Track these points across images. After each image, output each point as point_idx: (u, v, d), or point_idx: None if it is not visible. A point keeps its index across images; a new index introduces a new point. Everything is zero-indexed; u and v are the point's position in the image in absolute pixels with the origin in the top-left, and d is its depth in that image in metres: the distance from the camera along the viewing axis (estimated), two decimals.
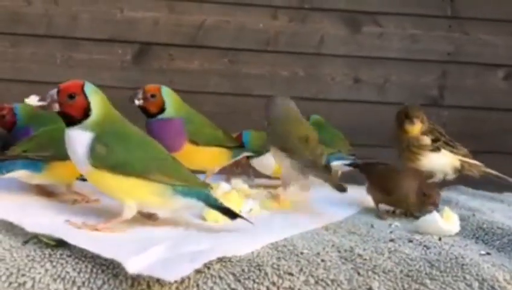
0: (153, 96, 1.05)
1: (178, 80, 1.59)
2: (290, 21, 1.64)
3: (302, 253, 0.72)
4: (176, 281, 0.60)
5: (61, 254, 0.65)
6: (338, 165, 1.24)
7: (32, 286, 0.60)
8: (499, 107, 1.67)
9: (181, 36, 1.62)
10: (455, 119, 1.64)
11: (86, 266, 0.63)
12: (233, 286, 0.62)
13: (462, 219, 0.92)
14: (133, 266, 0.60)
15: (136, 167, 0.78)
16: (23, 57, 1.57)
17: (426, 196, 0.98)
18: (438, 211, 0.91)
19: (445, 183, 1.32)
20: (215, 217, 0.86)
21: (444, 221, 0.89)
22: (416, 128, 1.24)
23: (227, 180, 1.18)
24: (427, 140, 1.25)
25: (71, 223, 0.77)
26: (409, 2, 1.65)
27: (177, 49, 1.61)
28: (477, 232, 0.90)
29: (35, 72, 1.57)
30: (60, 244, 0.67)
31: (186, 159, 0.94)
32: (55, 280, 0.61)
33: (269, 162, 1.15)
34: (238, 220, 0.81)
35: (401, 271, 0.69)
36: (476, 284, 0.66)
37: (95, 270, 0.63)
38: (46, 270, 0.62)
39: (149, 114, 1.06)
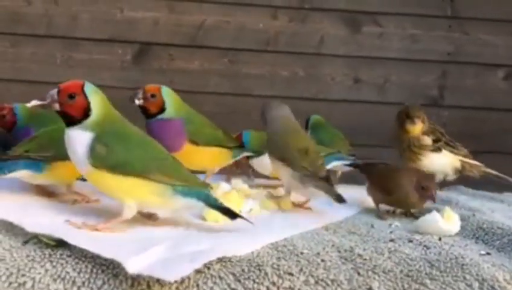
0: (153, 96, 1.05)
1: (178, 80, 1.59)
2: (290, 21, 1.64)
3: (302, 253, 0.72)
4: (176, 281, 0.60)
5: (61, 254, 0.65)
6: (338, 165, 1.24)
7: (32, 286, 0.60)
8: (499, 107, 1.67)
9: (181, 36, 1.62)
10: (455, 119, 1.64)
11: (86, 266, 0.63)
12: (233, 286, 0.62)
13: (462, 219, 0.92)
14: (133, 266, 0.60)
15: (136, 166, 0.78)
16: (23, 57, 1.57)
17: (424, 189, 0.98)
18: (438, 211, 0.91)
19: (445, 184, 1.32)
20: (215, 217, 0.86)
21: (444, 221, 0.89)
22: (417, 128, 1.24)
23: (227, 180, 1.18)
24: (428, 140, 1.25)
25: (71, 223, 0.77)
26: (409, 2, 1.65)
27: (177, 49, 1.61)
28: (477, 232, 0.90)
29: (35, 72, 1.57)
30: (60, 244, 0.67)
31: (186, 159, 0.94)
32: (55, 280, 0.61)
33: (269, 162, 1.15)
34: (238, 220, 0.81)
35: (401, 271, 0.69)
36: (476, 284, 0.66)
37: (95, 270, 0.63)
38: (46, 270, 0.62)
39: (149, 114, 1.06)
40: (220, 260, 0.66)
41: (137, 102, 1.04)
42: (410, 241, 0.82)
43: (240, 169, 1.33)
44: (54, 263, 0.63)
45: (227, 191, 1.00)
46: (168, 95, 1.06)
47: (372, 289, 0.64)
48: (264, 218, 0.95)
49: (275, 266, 0.66)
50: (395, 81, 1.66)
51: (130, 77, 1.58)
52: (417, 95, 1.63)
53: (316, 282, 0.64)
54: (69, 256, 0.65)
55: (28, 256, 0.64)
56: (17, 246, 0.67)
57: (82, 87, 0.79)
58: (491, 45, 1.66)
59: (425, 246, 0.80)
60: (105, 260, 0.63)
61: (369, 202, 1.07)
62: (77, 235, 0.70)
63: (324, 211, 1.02)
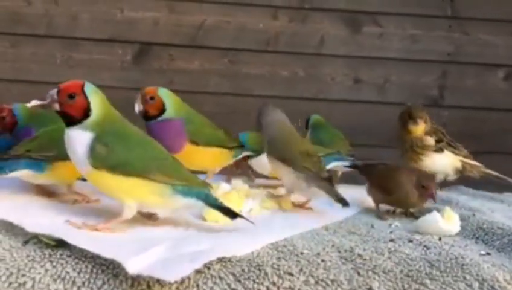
0: (151, 98, 1.05)
1: (178, 80, 1.60)
2: (290, 21, 1.64)
3: (302, 253, 0.72)
4: (176, 281, 0.60)
5: (61, 254, 0.65)
6: (338, 165, 1.24)
7: (32, 286, 0.60)
8: (499, 107, 1.67)
9: (181, 36, 1.62)
10: (455, 119, 1.64)
11: (86, 266, 0.63)
12: (233, 286, 0.62)
13: (462, 219, 0.92)
14: (133, 266, 0.60)
15: (136, 166, 0.78)
16: (23, 57, 1.57)
17: (424, 188, 0.98)
18: (438, 211, 0.91)
19: (445, 184, 1.32)
20: (215, 217, 0.86)
21: (444, 221, 0.89)
22: (419, 128, 1.24)
23: (228, 180, 1.18)
24: (431, 140, 1.25)
25: (71, 223, 0.77)
26: (409, 2, 1.65)
27: (177, 49, 1.62)
28: (477, 232, 0.89)
29: (35, 72, 1.57)
30: (60, 244, 0.67)
31: (187, 159, 0.94)
32: (55, 280, 0.61)
33: (267, 162, 1.15)
34: (238, 220, 0.81)
35: (401, 271, 0.69)
36: (476, 284, 0.66)
37: (95, 270, 0.63)
38: (46, 270, 0.62)
39: (149, 117, 1.05)
40: (220, 260, 0.66)
41: (137, 109, 1.04)
42: (410, 241, 0.82)
43: (240, 169, 1.33)
44: (54, 263, 0.63)
45: (227, 191, 1.00)
46: (166, 96, 1.06)
47: (372, 289, 0.64)
48: (264, 218, 0.95)
49: (275, 266, 0.66)
50: (395, 81, 1.66)
51: (130, 77, 1.58)
52: (417, 95, 1.63)
53: (316, 282, 0.64)
54: (69, 256, 0.65)
55: (28, 256, 0.64)
56: (17, 246, 0.67)
57: (82, 87, 0.79)
58: (491, 45, 1.66)
59: (425, 246, 0.80)
60: (105, 260, 0.63)
61: (369, 202, 1.07)
62: (77, 235, 0.70)
63: (324, 211, 1.02)
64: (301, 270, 0.66)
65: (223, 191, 1.01)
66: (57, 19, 1.58)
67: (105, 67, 1.59)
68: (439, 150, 1.26)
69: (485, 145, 1.58)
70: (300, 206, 1.04)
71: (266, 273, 0.64)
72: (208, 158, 1.11)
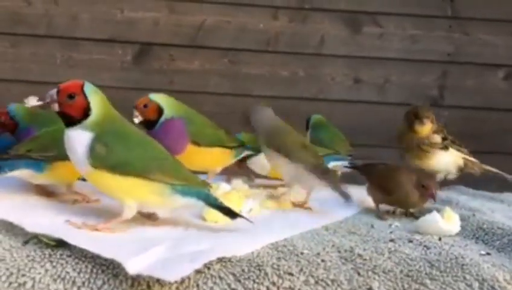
0: (145, 106, 1.05)
1: (178, 80, 1.59)
2: (290, 21, 1.64)
3: (302, 253, 0.72)
4: (176, 281, 0.60)
5: (61, 254, 0.65)
6: (337, 165, 1.25)
7: (32, 286, 0.60)
8: (499, 107, 1.67)
9: (181, 36, 1.62)
10: (455, 119, 1.64)
11: (86, 266, 0.63)
12: (233, 286, 0.62)
13: (462, 219, 0.92)
14: (133, 266, 0.60)
15: (136, 166, 0.78)
16: (23, 57, 1.57)
17: (424, 187, 0.98)
18: (438, 211, 0.91)
19: (445, 183, 1.32)
20: (215, 217, 0.86)
21: (444, 221, 0.89)
22: (426, 128, 1.25)
23: (228, 180, 1.18)
24: (437, 138, 1.26)
25: (71, 223, 0.77)
26: (409, 2, 1.65)
27: (177, 50, 1.61)
28: (477, 232, 0.89)
29: (35, 72, 1.57)
30: (60, 244, 0.67)
31: (188, 160, 0.94)
32: (55, 280, 0.61)
33: (265, 162, 1.15)
34: (238, 220, 0.81)
35: (401, 271, 0.69)
36: (476, 284, 0.66)
37: (95, 270, 0.63)
38: (46, 270, 0.62)
39: (150, 123, 1.05)
40: (220, 260, 0.66)
41: (137, 121, 1.04)
42: (410, 241, 0.82)
43: (241, 169, 1.32)
44: (54, 263, 0.63)
45: (227, 191, 1.00)
46: (159, 98, 1.05)
47: (372, 289, 0.64)
48: (264, 218, 0.95)
49: (275, 266, 0.66)
50: (395, 81, 1.66)
51: (130, 77, 1.58)
52: (417, 95, 1.63)
53: (316, 282, 0.64)
54: (69, 256, 0.65)
55: (28, 256, 0.64)
56: (17, 246, 0.67)
57: (81, 87, 0.79)
58: (491, 45, 1.66)
59: (425, 246, 0.80)
60: (105, 260, 0.63)
61: (369, 202, 1.07)
62: (77, 235, 0.70)
63: (324, 211, 1.02)
64: (301, 270, 0.66)
65: (223, 191, 1.00)
66: (57, 19, 1.58)
67: (105, 67, 1.59)
68: (445, 147, 1.27)
69: (485, 145, 1.57)
70: (300, 205, 1.04)
71: (266, 273, 0.64)
72: (209, 158, 1.11)
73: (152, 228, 0.82)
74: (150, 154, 0.81)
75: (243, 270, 0.65)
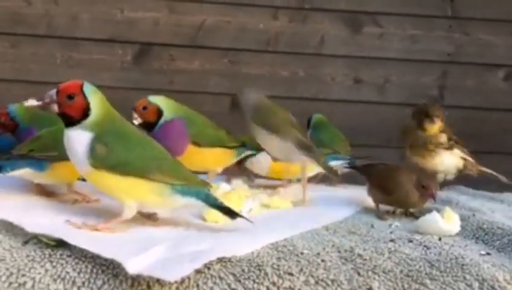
0: (144, 108, 1.05)
1: (178, 80, 1.59)
2: (290, 21, 1.64)
3: (302, 253, 0.72)
4: (176, 281, 0.60)
5: (61, 254, 0.65)
6: (337, 165, 1.25)
7: (32, 286, 0.60)
8: (499, 107, 1.67)
9: (181, 36, 1.62)
10: (455, 119, 1.62)
11: (86, 266, 0.63)
12: (233, 286, 0.62)
13: (462, 219, 0.92)
14: (133, 266, 0.60)
15: (136, 166, 0.78)
16: (23, 57, 1.57)
17: (424, 187, 0.98)
18: (438, 211, 0.91)
19: (445, 183, 1.32)
20: (215, 217, 0.86)
21: (444, 221, 0.89)
22: (436, 127, 1.25)
23: (228, 180, 1.18)
24: (444, 138, 1.26)
25: (71, 223, 0.77)
26: (409, 2, 1.65)
27: (177, 50, 1.61)
28: (477, 232, 0.89)
29: (35, 72, 1.57)
30: (60, 244, 0.67)
31: (189, 160, 0.94)
32: (55, 280, 0.61)
33: (264, 162, 1.15)
34: (238, 220, 0.81)
35: (401, 271, 0.69)
36: (476, 284, 0.66)
37: (95, 270, 0.63)
38: (46, 270, 0.62)
39: (150, 125, 1.05)
40: (220, 260, 0.66)
41: (137, 123, 1.04)
42: (410, 241, 0.82)
43: (242, 169, 1.32)
44: (54, 263, 0.63)
45: (227, 191, 1.00)
46: (158, 100, 1.06)
47: (372, 289, 0.64)
48: (264, 218, 0.95)
49: (275, 266, 0.66)
50: (395, 81, 1.66)
51: (130, 77, 1.58)
52: (417, 95, 1.63)
53: (316, 282, 0.64)
54: (69, 256, 0.65)
55: (28, 256, 0.64)
56: (17, 246, 0.67)
57: (81, 87, 0.79)
58: (491, 45, 1.66)
59: (425, 246, 0.80)
60: (105, 260, 0.63)
61: (369, 202, 1.07)
62: (77, 235, 0.70)
63: (324, 211, 1.02)
64: (301, 270, 0.66)
65: (223, 191, 1.01)
66: (57, 19, 1.58)
67: (105, 67, 1.59)
68: (450, 148, 1.27)
69: (485, 145, 1.57)
70: (300, 203, 1.04)
71: (266, 273, 0.64)
72: (210, 159, 1.11)
73: (152, 228, 0.82)
74: (149, 154, 0.81)
75: (243, 270, 0.65)
